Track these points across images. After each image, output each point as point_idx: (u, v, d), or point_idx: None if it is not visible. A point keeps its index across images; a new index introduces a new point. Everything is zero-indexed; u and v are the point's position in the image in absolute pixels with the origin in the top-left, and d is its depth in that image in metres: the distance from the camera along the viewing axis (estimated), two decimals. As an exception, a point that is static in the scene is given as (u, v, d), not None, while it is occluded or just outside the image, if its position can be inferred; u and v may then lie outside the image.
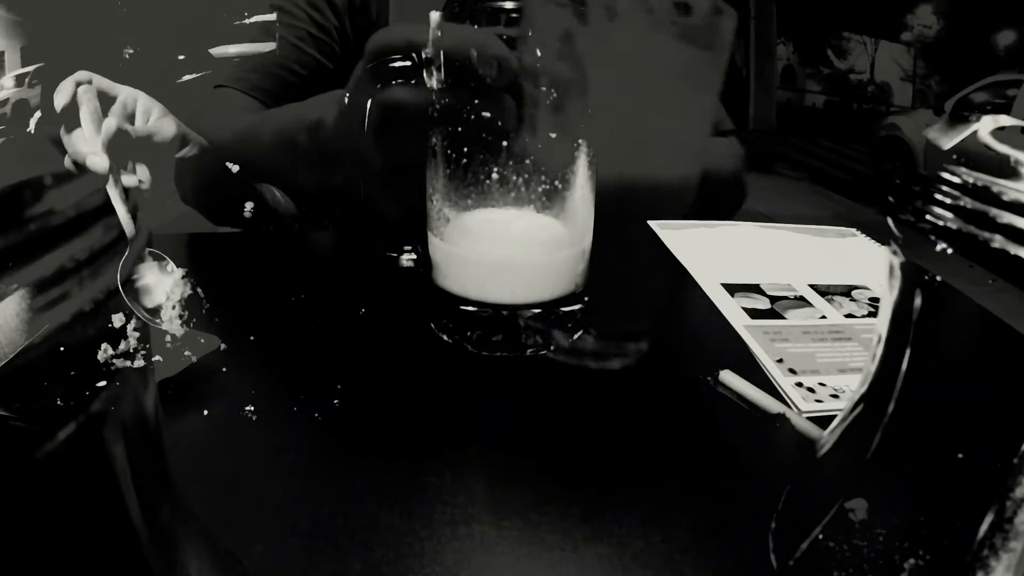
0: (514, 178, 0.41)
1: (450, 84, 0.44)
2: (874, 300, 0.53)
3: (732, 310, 0.49)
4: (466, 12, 0.46)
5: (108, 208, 0.49)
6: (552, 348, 0.44)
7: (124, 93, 0.61)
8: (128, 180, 0.53)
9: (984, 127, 0.24)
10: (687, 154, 0.52)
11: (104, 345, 0.17)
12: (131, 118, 0.60)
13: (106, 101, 0.59)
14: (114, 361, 0.18)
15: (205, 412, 0.40)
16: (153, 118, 0.61)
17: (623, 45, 0.44)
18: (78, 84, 0.57)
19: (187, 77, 0.76)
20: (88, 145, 0.53)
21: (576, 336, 0.45)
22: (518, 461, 0.38)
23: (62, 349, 0.17)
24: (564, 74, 0.43)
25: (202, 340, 0.44)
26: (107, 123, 0.54)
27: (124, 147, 0.54)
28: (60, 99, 0.56)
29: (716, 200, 0.73)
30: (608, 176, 0.44)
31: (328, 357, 0.46)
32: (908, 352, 0.25)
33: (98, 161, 0.51)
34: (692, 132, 0.51)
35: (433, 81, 0.45)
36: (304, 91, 0.83)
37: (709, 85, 0.49)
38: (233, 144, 0.65)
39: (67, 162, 0.54)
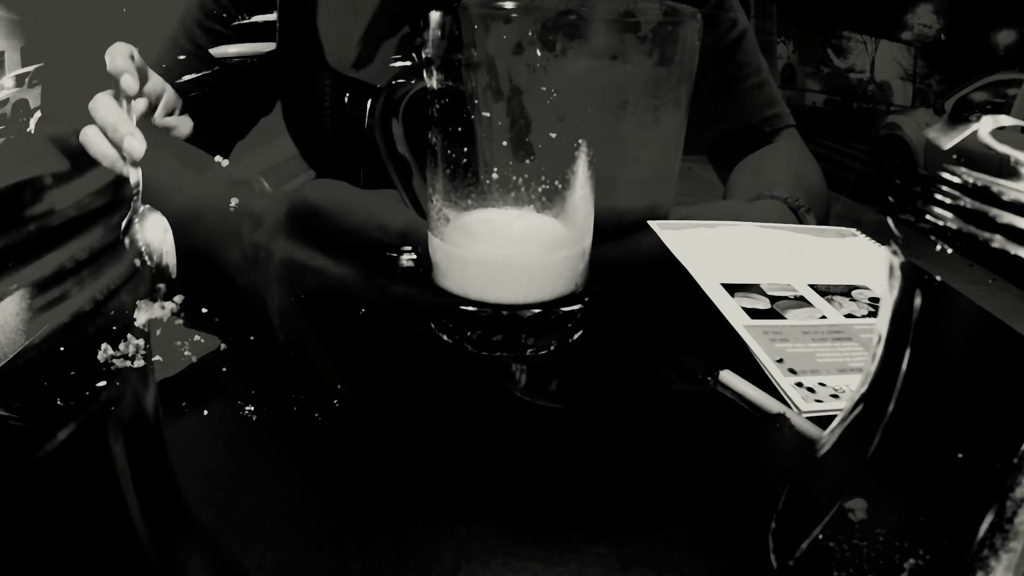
0: (514, 178, 0.41)
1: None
2: (874, 300, 0.53)
3: (732, 310, 0.49)
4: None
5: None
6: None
7: (156, 80, 0.61)
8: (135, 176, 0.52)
9: (984, 127, 0.24)
10: (655, 181, 0.51)
11: (104, 345, 0.17)
12: (153, 107, 0.61)
13: (143, 78, 0.59)
14: (114, 361, 0.18)
15: (205, 412, 0.40)
16: (176, 113, 0.62)
17: (560, 79, 0.43)
18: (132, 56, 0.57)
19: (187, 77, 0.76)
20: (125, 125, 0.53)
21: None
22: (518, 461, 0.38)
23: (62, 349, 0.17)
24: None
25: (202, 340, 0.44)
26: (138, 103, 0.55)
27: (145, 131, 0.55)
28: (119, 62, 0.56)
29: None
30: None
31: (328, 357, 0.46)
32: (908, 352, 0.25)
33: (136, 144, 0.51)
34: (656, 157, 0.50)
35: (433, 81, 0.45)
36: (217, 100, 0.77)
37: (674, 100, 0.49)
38: (181, 214, 0.56)
39: (92, 136, 0.53)
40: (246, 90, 0.81)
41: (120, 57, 0.57)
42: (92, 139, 0.55)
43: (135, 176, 0.49)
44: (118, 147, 0.52)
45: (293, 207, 0.43)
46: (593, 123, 0.41)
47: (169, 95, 0.63)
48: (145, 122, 0.57)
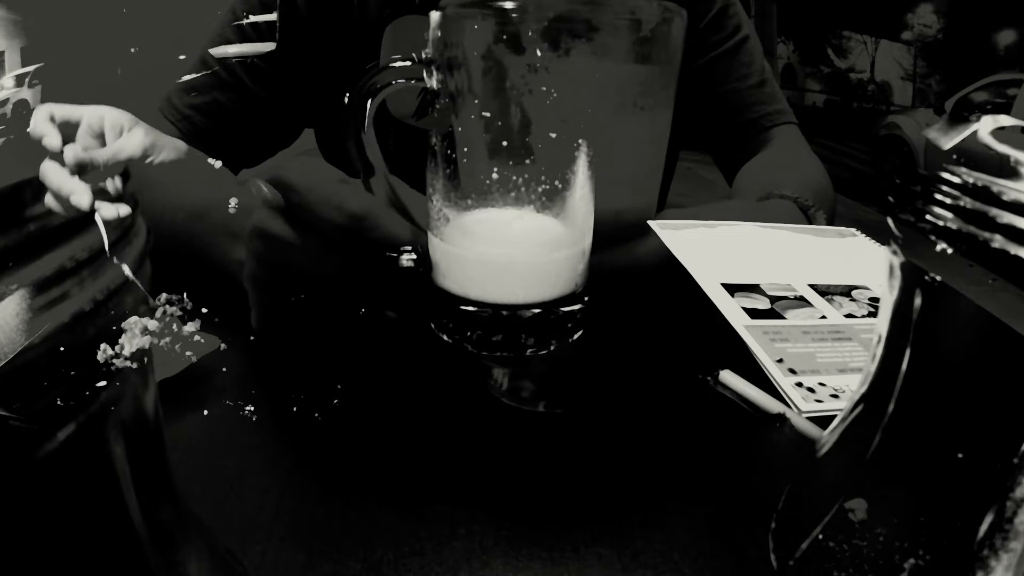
0: (514, 178, 0.41)
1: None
2: (874, 300, 0.53)
3: (732, 310, 0.49)
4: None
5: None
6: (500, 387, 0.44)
7: (87, 115, 0.60)
8: (108, 211, 0.52)
9: (984, 127, 0.24)
10: (638, 181, 0.51)
11: (104, 345, 0.17)
12: (100, 138, 0.60)
13: (71, 128, 0.59)
14: (114, 361, 0.18)
15: (205, 412, 0.40)
16: (126, 131, 0.61)
17: (566, 78, 0.43)
18: (51, 118, 0.58)
19: (187, 77, 0.76)
20: (67, 184, 0.52)
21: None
22: (518, 461, 0.38)
23: (62, 349, 0.17)
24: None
25: (202, 340, 0.44)
26: (67, 152, 0.55)
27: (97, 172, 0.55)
28: (37, 127, 0.57)
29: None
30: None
31: (328, 357, 0.46)
32: (908, 352, 0.25)
33: (80, 199, 0.51)
34: (641, 156, 0.50)
35: (433, 81, 0.45)
36: (234, 124, 0.78)
37: (665, 100, 0.49)
38: (186, 212, 0.58)
39: (50, 201, 0.54)
40: (269, 118, 0.81)
41: (40, 122, 0.58)
42: (52, 205, 0.55)
43: (101, 221, 0.50)
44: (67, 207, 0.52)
45: (270, 182, 0.45)
46: (586, 122, 0.41)
47: (111, 118, 0.61)
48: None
